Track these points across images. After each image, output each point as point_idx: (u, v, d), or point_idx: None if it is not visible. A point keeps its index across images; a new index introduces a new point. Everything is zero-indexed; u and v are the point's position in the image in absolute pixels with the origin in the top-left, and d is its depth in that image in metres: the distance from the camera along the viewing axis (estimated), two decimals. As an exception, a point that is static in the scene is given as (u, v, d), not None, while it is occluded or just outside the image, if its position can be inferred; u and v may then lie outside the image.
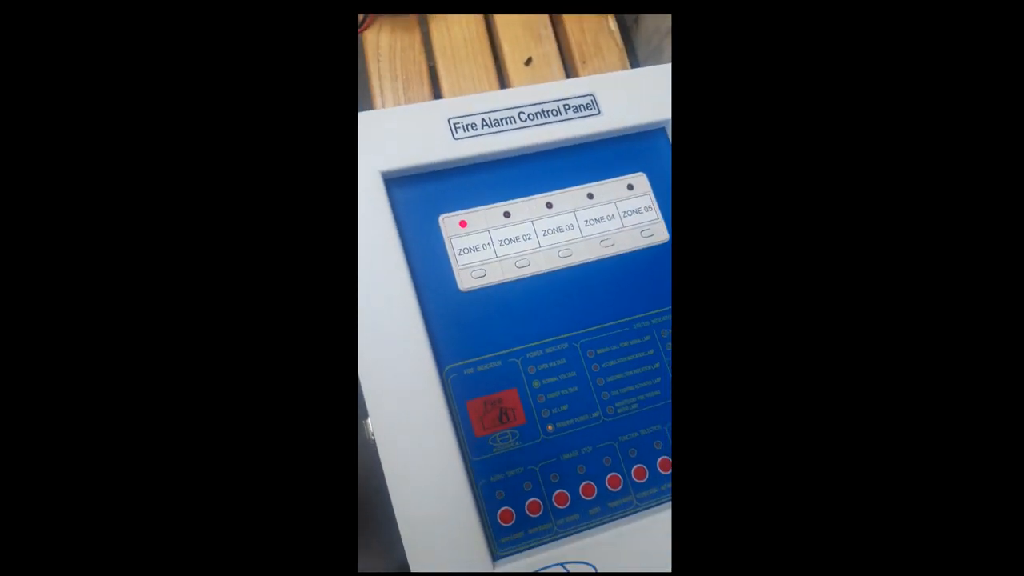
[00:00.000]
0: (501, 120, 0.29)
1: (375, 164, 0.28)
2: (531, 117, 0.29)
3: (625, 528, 0.24)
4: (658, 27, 0.41)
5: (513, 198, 0.29)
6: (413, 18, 0.40)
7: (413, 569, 0.24)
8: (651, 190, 0.30)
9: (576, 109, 0.30)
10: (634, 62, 0.43)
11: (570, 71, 0.41)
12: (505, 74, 0.40)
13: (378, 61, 0.38)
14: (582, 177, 0.30)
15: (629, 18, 0.44)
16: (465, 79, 0.39)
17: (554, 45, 0.40)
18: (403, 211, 0.28)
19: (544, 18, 0.41)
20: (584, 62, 0.40)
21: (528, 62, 0.40)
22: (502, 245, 0.28)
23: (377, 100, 0.37)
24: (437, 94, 0.39)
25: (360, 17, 0.38)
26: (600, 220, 0.29)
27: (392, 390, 0.25)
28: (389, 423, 0.25)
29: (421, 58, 0.39)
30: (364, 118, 0.28)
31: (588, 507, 0.25)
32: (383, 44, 0.39)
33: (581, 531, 0.25)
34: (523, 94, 0.30)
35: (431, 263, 0.27)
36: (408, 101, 0.38)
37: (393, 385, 0.25)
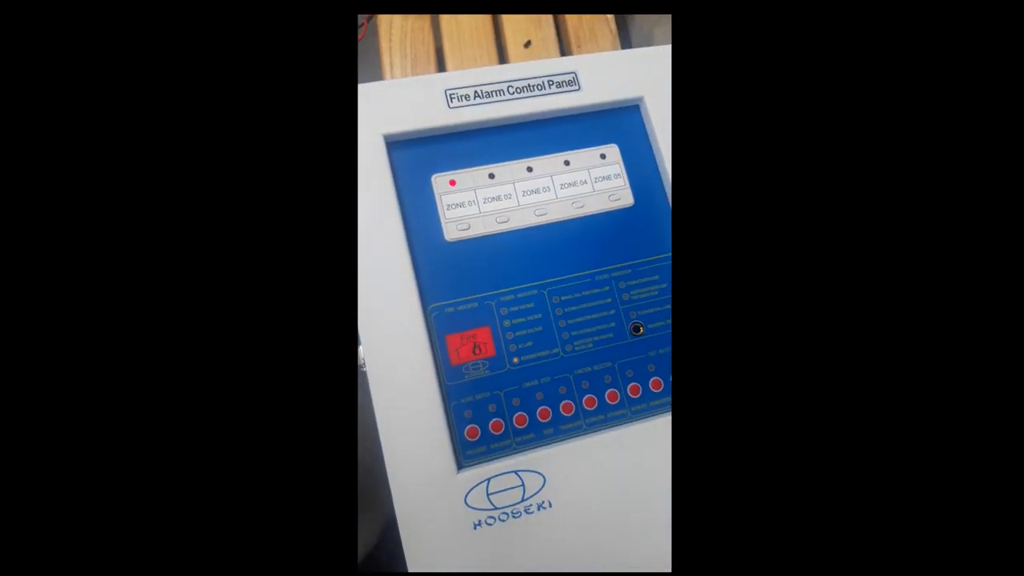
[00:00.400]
0: (491, 92, 0.33)
1: (378, 128, 0.32)
2: (518, 90, 0.33)
3: (572, 445, 0.28)
4: (648, 15, 0.44)
5: (498, 161, 0.33)
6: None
7: (391, 476, 0.28)
8: (621, 160, 0.33)
9: (559, 85, 0.33)
10: (627, 47, 0.46)
11: (566, 54, 0.44)
12: (506, 55, 0.43)
13: (390, 40, 0.42)
14: (560, 145, 0.33)
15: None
16: (468, 59, 0.42)
17: (552, 30, 0.44)
18: (401, 170, 0.32)
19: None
20: (579, 46, 0.43)
21: (527, 45, 0.43)
22: (486, 203, 0.32)
23: (387, 75, 0.41)
24: (443, 72, 0.43)
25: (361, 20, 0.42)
26: (574, 184, 0.33)
27: (383, 323, 0.29)
28: (379, 351, 0.29)
29: (429, 39, 0.43)
30: (371, 88, 0.32)
31: (543, 428, 0.29)
32: (395, 25, 0.43)
33: (535, 447, 0.28)
34: (512, 70, 0.33)
35: (422, 216, 0.31)
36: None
37: (384, 319, 0.29)
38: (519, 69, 0.33)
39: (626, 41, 0.47)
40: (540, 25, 0.44)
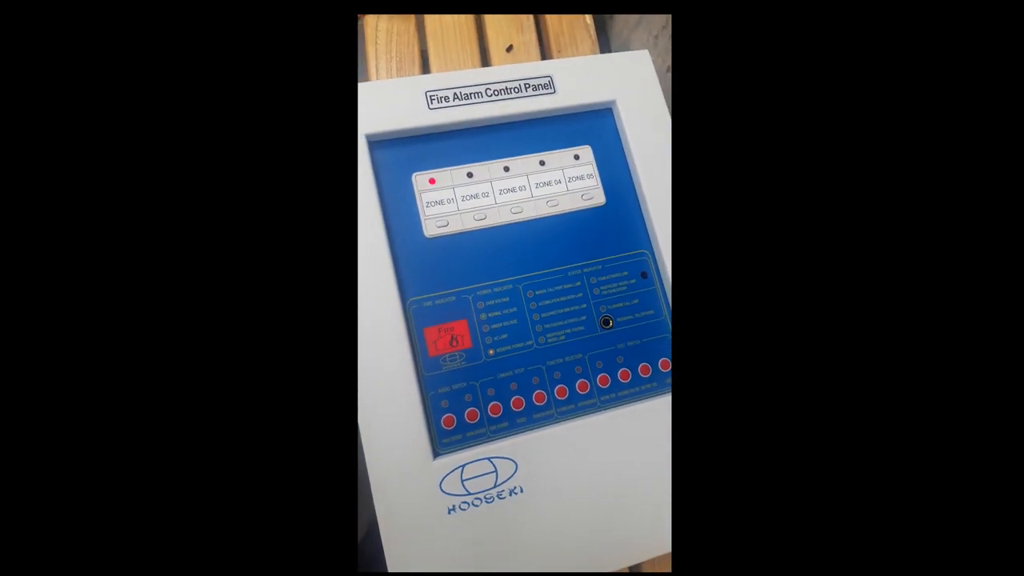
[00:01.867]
0: (470, 94, 0.34)
1: (361, 128, 0.33)
2: (496, 93, 0.34)
3: (544, 433, 0.29)
4: (627, 21, 0.45)
5: (476, 161, 0.34)
6: (410, 6, 0.44)
7: (369, 463, 0.29)
8: (594, 160, 0.35)
9: (535, 88, 0.34)
10: (605, 52, 0.48)
11: (547, 58, 0.45)
12: (488, 59, 0.44)
13: (376, 43, 0.43)
14: (536, 146, 0.34)
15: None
16: (452, 62, 0.44)
17: (534, 35, 0.45)
18: (382, 168, 0.33)
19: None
20: (560, 51, 0.45)
21: (509, 49, 0.44)
22: (464, 200, 0.33)
23: (373, 76, 0.43)
24: (427, 74, 0.44)
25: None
26: (548, 184, 0.34)
27: (363, 316, 0.30)
28: (359, 343, 0.30)
29: (414, 41, 0.44)
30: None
31: (516, 417, 0.30)
32: (381, 27, 0.44)
33: (509, 435, 0.30)
34: (491, 73, 0.34)
35: (402, 213, 0.32)
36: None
37: (364, 312, 0.30)
38: (497, 72, 0.35)
39: (605, 46, 0.48)
40: (522, 30, 0.45)
